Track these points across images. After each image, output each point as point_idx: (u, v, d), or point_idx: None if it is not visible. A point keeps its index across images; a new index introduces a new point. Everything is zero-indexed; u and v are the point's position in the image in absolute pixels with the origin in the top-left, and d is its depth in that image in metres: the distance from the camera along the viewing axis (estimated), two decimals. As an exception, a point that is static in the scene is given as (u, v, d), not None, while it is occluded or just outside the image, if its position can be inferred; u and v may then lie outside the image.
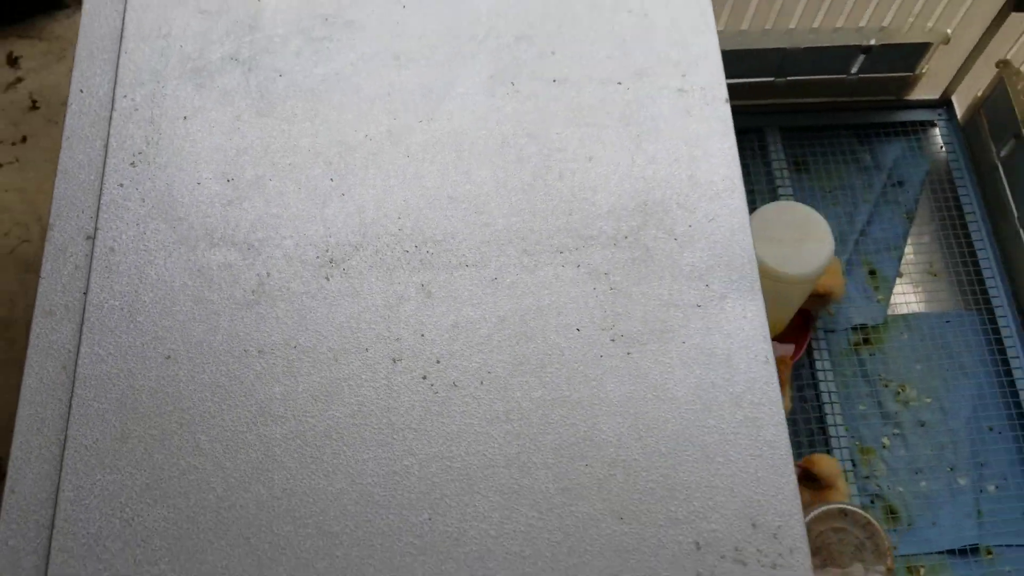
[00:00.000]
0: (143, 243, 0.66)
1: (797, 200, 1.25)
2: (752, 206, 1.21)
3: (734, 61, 1.22)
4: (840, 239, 1.23)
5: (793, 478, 0.64)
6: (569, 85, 0.76)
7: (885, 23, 1.18)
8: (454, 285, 0.67)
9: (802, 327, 1.13)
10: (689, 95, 0.77)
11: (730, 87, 1.30)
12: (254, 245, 0.66)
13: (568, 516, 0.60)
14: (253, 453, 0.60)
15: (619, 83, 0.77)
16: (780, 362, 1.10)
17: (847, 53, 1.20)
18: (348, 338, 0.64)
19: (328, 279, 0.66)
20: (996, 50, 1.20)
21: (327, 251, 0.67)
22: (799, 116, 1.29)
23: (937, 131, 1.32)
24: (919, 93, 1.30)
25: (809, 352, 1.14)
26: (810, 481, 0.95)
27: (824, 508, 0.80)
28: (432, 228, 0.69)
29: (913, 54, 1.21)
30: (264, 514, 0.59)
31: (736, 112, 1.31)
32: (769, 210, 0.96)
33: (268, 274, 0.66)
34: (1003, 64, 1.18)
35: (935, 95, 1.30)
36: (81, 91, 0.73)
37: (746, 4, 1.14)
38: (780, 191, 1.24)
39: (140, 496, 0.59)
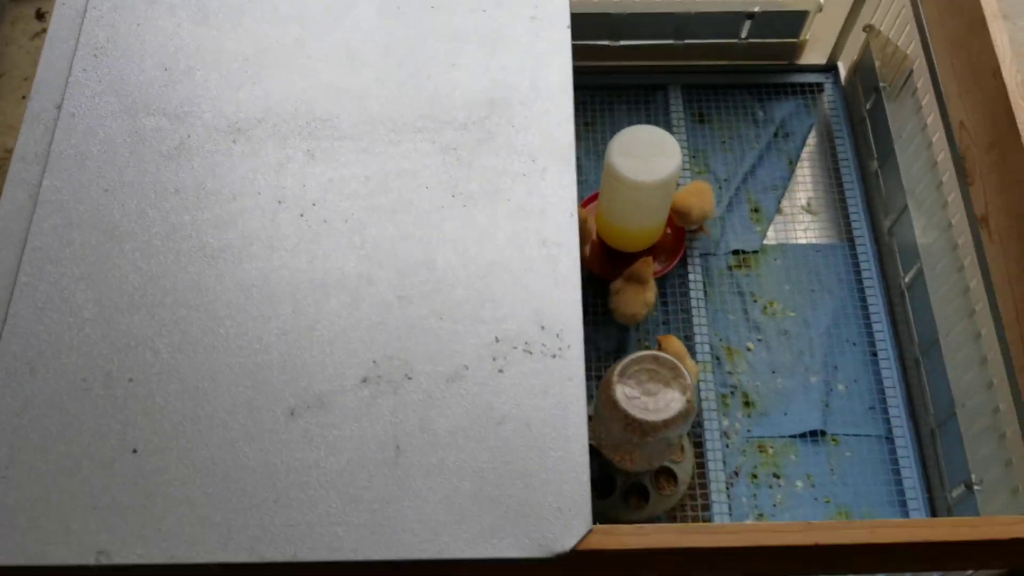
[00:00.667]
0: (96, 111, 0.86)
1: (694, 147, 1.44)
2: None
3: (638, 24, 1.41)
4: (728, 179, 1.41)
5: (578, 297, 0.82)
6: (443, 10, 0.96)
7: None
8: (333, 152, 0.87)
9: (677, 243, 1.31)
10: (538, 22, 0.96)
11: (636, 48, 1.50)
12: (179, 116, 0.87)
13: (401, 315, 0.80)
14: (166, 257, 0.80)
15: (484, 11, 0.97)
16: (583, 222, 1.28)
17: (735, 19, 1.39)
18: (245, 185, 0.84)
19: (235, 143, 0.86)
20: (868, 17, 1.38)
21: (236, 123, 0.87)
22: (702, 76, 1.48)
23: (824, 93, 1.50)
24: (809, 59, 1.48)
25: (687, 266, 1.33)
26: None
27: (640, 353, 0.98)
28: (321, 110, 0.89)
29: (794, 21, 1.40)
30: (169, 299, 0.78)
31: (641, 71, 1.50)
32: (629, 131, 1.16)
33: (188, 136, 0.86)
34: (868, 28, 1.36)
35: (823, 61, 1.48)
36: (63, 4, 0.94)
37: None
38: (677, 138, 1.42)
39: (76, 283, 0.79)
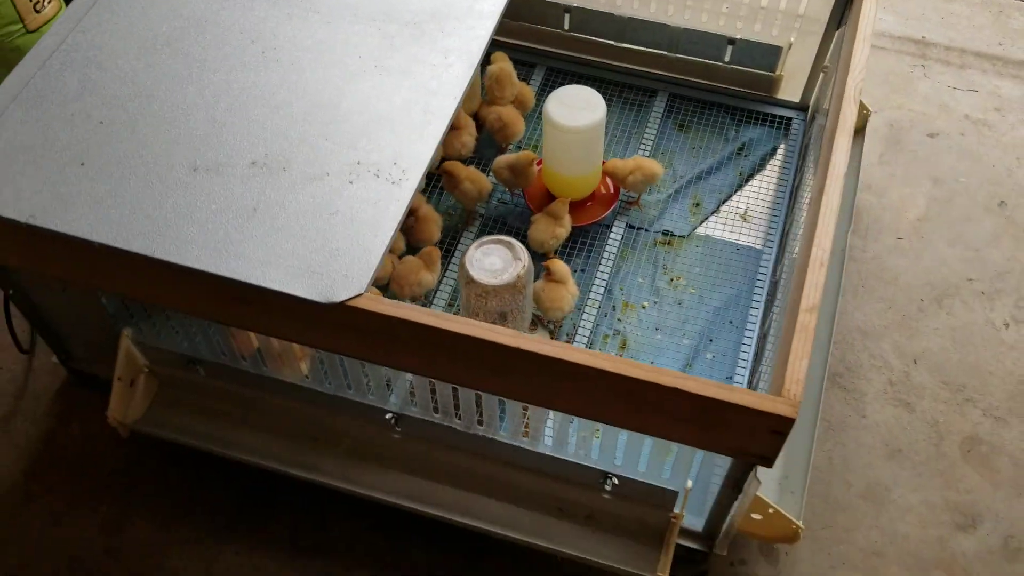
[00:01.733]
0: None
1: (665, 147, 1.67)
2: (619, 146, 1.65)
3: (638, 30, 1.66)
4: (683, 175, 1.63)
5: (430, 151, 1.09)
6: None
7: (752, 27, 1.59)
8: (304, 19, 1.20)
9: (609, 201, 1.55)
10: (487, -30, 1.25)
11: (630, 51, 1.73)
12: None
13: (299, 130, 1.11)
14: (174, 59, 1.14)
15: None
16: (527, 165, 1.54)
17: (719, 41, 1.62)
18: (235, 26, 1.17)
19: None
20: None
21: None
22: (689, 89, 1.71)
23: (792, 127, 1.69)
24: (785, 94, 1.68)
25: (613, 229, 1.55)
26: (549, 276, 1.37)
27: (499, 237, 1.22)
28: (305, -8, 1.22)
29: (769, 55, 1.61)
30: (166, 78, 1.12)
31: (637, 74, 1.74)
32: (569, 89, 1.41)
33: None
34: (824, 68, 1.55)
35: (796, 99, 1.68)
36: None
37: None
38: (653, 139, 1.66)
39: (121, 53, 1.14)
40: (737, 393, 0.95)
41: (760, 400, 0.94)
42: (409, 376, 1.24)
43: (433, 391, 1.19)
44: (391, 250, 1.35)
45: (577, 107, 1.42)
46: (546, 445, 1.22)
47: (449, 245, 1.56)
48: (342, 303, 1.00)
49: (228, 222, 1.05)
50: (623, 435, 1.13)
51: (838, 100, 1.22)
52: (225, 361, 1.29)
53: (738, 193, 1.64)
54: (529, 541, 1.25)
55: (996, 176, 1.69)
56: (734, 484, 1.12)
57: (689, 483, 1.16)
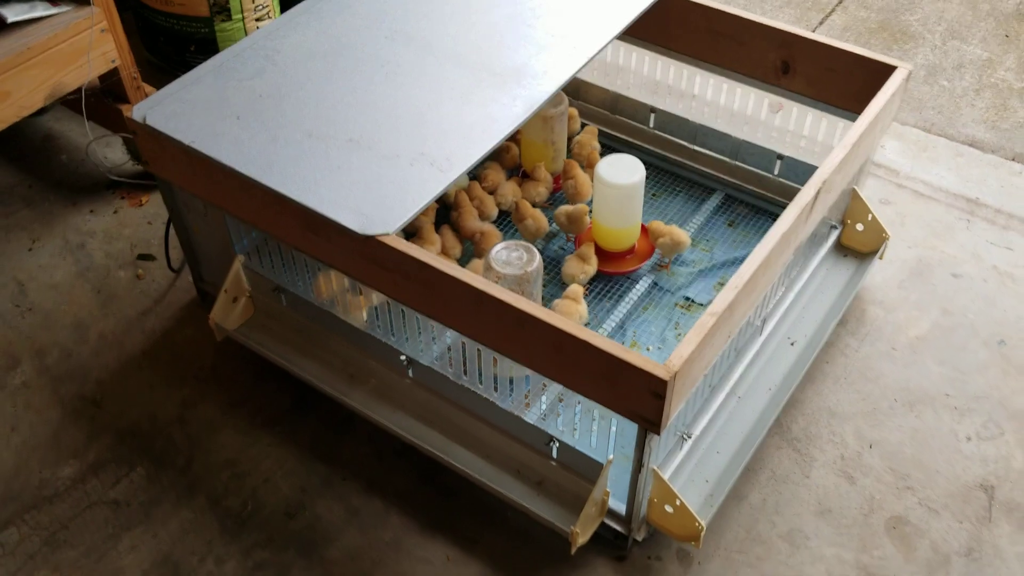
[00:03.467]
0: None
1: (710, 236, 1.93)
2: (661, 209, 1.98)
3: (708, 136, 1.96)
4: (717, 261, 1.88)
5: (478, 154, 1.44)
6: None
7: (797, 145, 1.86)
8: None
9: (643, 255, 1.84)
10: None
11: (700, 154, 2.04)
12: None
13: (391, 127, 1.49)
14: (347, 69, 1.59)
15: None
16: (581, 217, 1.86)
17: (770, 155, 1.89)
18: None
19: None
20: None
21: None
22: (743, 194, 1.98)
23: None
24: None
25: (638, 281, 1.84)
26: (565, 295, 1.68)
27: (519, 242, 1.53)
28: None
29: (811, 172, 1.85)
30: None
31: (700, 173, 2.03)
32: (618, 155, 1.74)
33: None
34: (853, 192, 1.78)
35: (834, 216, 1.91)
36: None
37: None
38: (695, 225, 1.95)
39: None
40: (630, 355, 1.21)
41: (646, 363, 1.20)
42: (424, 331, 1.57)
43: (433, 338, 1.52)
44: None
45: (622, 170, 1.75)
46: (508, 402, 1.50)
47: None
48: (372, 236, 1.36)
49: (319, 172, 1.46)
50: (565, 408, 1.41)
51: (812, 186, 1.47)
52: (300, 293, 1.67)
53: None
54: (493, 488, 1.51)
55: (1004, 319, 1.83)
56: (638, 459, 1.35)
57: (610, 456, 1.39)
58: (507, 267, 1.56)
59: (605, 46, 1.72)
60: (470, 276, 1.33)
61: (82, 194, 2.18)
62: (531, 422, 1.48)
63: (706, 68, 1.93)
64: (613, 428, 1.42)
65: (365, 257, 1.43)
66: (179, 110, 1.61)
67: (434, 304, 1.42)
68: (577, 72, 1.66)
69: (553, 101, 1.95)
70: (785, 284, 1.70)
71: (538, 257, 1.58)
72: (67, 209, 2.14)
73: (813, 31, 2.67)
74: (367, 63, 1.68)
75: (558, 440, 1.46)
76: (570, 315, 1.69)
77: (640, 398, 1.24)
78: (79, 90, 1.99)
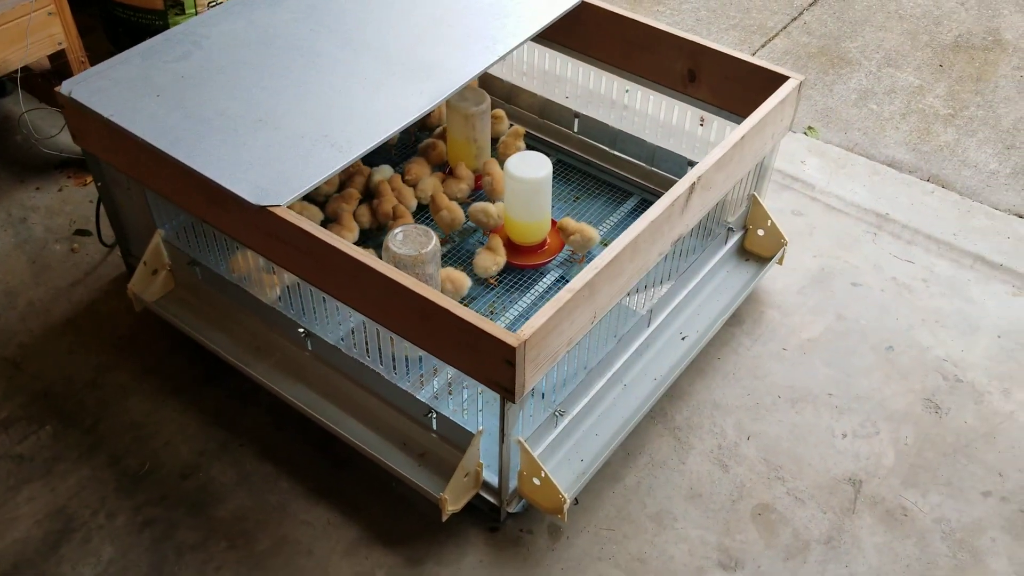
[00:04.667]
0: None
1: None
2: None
3: (626, 141, 2.04)
4: None
5: (378, 138, 1.52)
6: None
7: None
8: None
9: (551, 251, 1.91)
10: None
11: (621, 159, 2.08)
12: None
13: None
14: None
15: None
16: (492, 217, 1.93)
17: (682, 161, 1.97)
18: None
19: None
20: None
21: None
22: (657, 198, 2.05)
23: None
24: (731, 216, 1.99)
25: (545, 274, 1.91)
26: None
27: (418, 226, 1.60)
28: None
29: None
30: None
31: (619, 177, 2.09)
32: (527, 153, 1.82)
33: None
34: (749, 197, 1.86)
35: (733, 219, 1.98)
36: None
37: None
38: (609, 227, 2.02)
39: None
40: (485, 323, 1.28)
41: (497, 331, 1.27)
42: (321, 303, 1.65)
43: (336, 315, 1.59)
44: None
45: (531, 165, 1.83)
46: (392, 375, 1.57)
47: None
48: (264, 207, 1.44)
49: (224, 147, 1.54)
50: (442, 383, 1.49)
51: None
52: (213, 267, 1.75)
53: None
54: (377, 457, 1.58)
55: (896, 327, 1.89)
56: (501, 429, 1.41)
57: (480, 427, 1.46)
58: (403, 247, 1.64)
59: (516, 47, 1.80)
60: (349, 247, 1.40)
61: (31, 172, 2.26)
62: (411, 392, 1.55)
63: (624, 76, 2.02)
64: (480, 401, 1.49)
65: (259, 229, 1.51)
66: (104, 87, 1.70)
67: (321, 275, 1.50)
68: (486, 69, 1.75)
69: (474, 100, 2.05)
70: (674, 278, 1.77)
71: (434, 240, 1.66)
72: (14, 185, 2.22)
73: (754, 54, 2.76)
74: (288, 52, 1.76)
75: (436, 411, 1.53)
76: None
77: (495, 366, 1.31)
78: (27, 69, 2.09)
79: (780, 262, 1.93)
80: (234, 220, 1.55)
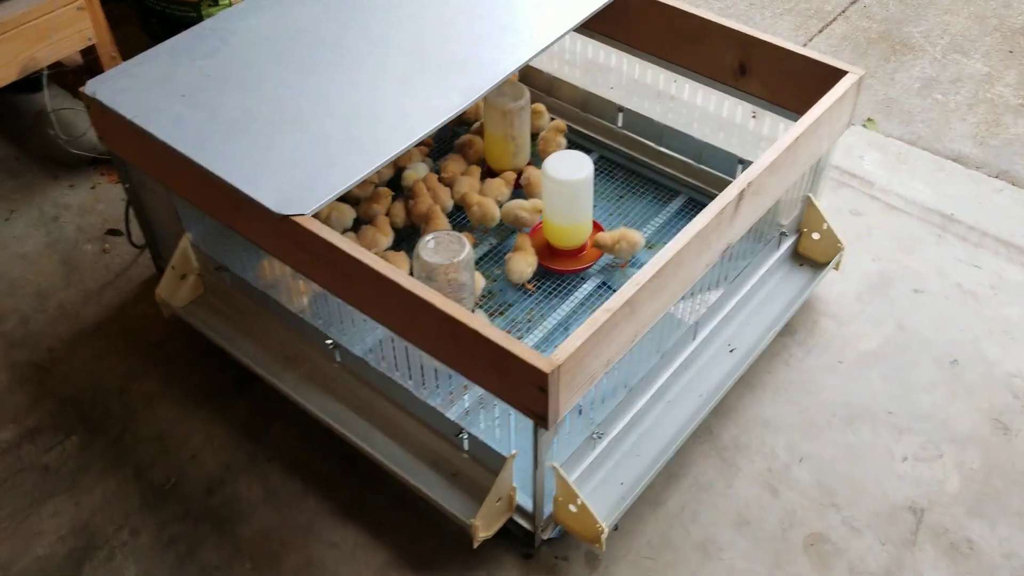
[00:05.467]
0: None
1: (664, 240, 1.90)
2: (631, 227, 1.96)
3: (673, 138, 1.94)
4: None
5: (407, 142, 1.44)
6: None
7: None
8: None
9: (587, 260, 1.83)
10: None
11: (662, 155, 1.99)
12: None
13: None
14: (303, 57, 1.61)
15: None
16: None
17: (732, 159, 1.86)
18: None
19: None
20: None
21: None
22: (705, 197, 1.94)
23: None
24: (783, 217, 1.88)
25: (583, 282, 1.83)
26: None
27: (451, 232, 1.52)
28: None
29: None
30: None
31: (665, 175, 1.99)
32: (566, 152, 1.73)
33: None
34: (804, 199, 1.75)
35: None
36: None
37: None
38: (654, 228, 1.93)
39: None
40: (516, 346, 1.20)
41: (529, 355, 1.19)
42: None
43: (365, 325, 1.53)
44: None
45: (570, 166, 1.74)
46: (421, 390, 1.50)
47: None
48: (287, 216, 1.37)
49: (248, 151, 1.48)
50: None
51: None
52: (241, 273, 1.69)
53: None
54: (405, 478, 1.51)
55: (961, 339, 1.77)
56: (535, 455, 1.33)
57: (514, 450, 1.38)
58: (434, 255, 1.56)
59: (555, 41, 1.71)
60: (375, 261, 1.33)
61: (64, 169, 2.23)
62: (441, 411, 1.48)
63: (670, 68, 1.91)
64: (512, 421, 1.41)
65: (285, 237, 1.44)
66: (129, 86, 1.64)
67: (346, 287, 1.42)
68: (523, 65, 1.66)
69: (512, 95, 1.96)
70: (723, 288, 1.67)
71: (468, 248, 1.58)
72: (47, 182, 2.19)
73: (810, 40, 2.62)
74: (317, 49, 1.69)
75: (467, 432, 1.46)
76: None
77: (527, 391, 1.23)
78: (58, 64, 2.05)
79: (836, 268, 1.82)
80: (259, 228, 1.48)
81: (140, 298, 1.91)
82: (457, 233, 1.60)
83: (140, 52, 1.69)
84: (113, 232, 2.06)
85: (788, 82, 1.70)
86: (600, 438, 1.48)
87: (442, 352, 1.34)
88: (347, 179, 1.45)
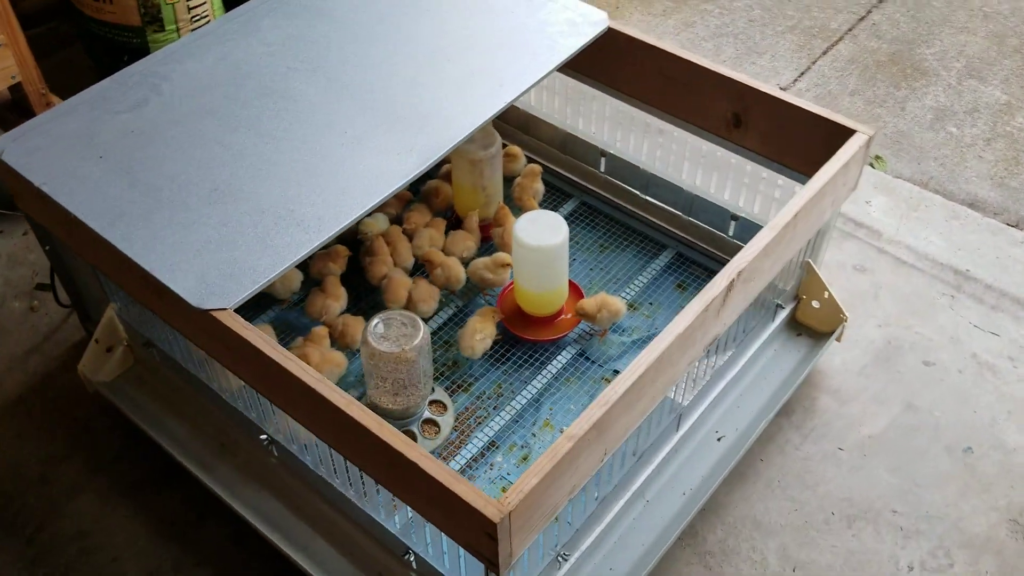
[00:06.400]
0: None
1: (654, 299, 1.73)
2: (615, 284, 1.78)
3: (660, 186, 1.75)
4: (658, 330, 1.68)
5: (352, 216, 1.26)
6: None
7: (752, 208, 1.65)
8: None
9: (565, 327, 1.64)
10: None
11: (648, 205, 1.83)
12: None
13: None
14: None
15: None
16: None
17: (724, 214, 1.68)
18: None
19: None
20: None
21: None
22: (696, 253, 1.77)
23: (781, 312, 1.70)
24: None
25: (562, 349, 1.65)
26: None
27: (400, 312, 1.35)
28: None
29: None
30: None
31: (652, 226, 1.82)
32: (538, 212, 1.55)
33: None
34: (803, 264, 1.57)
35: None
36: None
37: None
38: (639, 286, 1.74)
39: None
40: (460, 485, 1.02)
41: (476, 498, 1.01)
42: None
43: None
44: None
45: (543, 229, 1.55)
46: (365, 502, 1.32)
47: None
48: (206, 311, 1.20)
49: (169, 228, 1.29)
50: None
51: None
52: (168, 351, 1.51)
53: (708, 360, 1.69)
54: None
55: (975, 421, 1.60)
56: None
57: (466, 578, 1.22)
58: (383, 342, 1.39)
59: (527, 90, 1.52)
60: (302, 369, 1.15)
61: (-4, 211, 2.06)
62: (386, 526, 1.30)
63: (658, 115, 1.72)
64: (461, 553, 1.23)
65: (205, 331, 1.27)
66: (42, 145, 1.45)
67: (274, 393, 1.25)
68: (490, 119, 1.47)
69: (482, 142, 1.77)
70: (708, 374, 1.49)
71: (422, 332, 1.40)
72: (-21, 227, 2.02)
73: (814, 63, 2.43)
74: (261, 100, 1.49)
75: (414, 552, 1.29)
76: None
77: (475, 535, 1.05)
78: (-14, 102, 1.88)
79: (838, 340, 1.64)
80: (179, 316, 1.31)
81: (67, 366, 1.73)
82: (411, 315, 1.42)
83: (81, 79, 1.50)
84: (43, 287, 1.87)
85: (788, 137, 1.51)
86: (566, 559, 1.31)
87: (380, 477, 1.16)
88: (278, 264, 1.25)
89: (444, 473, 1.03)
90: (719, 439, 1.52)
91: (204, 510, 1.51)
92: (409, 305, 1.67)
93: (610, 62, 1.70)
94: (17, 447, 1.61)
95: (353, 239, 1.77)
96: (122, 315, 1.57)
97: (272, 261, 1.26)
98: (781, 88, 2.35)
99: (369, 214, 1.37)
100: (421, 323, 1.40)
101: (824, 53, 2.47)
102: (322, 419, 1.17)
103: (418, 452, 1.05)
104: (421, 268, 1.76)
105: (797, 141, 1.51)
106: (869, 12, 2.60)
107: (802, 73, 2.41)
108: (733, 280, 1.23)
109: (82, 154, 1.42)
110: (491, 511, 1.00)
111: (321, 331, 1.58)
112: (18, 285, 1.87)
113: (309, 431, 1.24)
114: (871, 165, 2.10)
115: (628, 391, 1.12)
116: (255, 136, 1.43)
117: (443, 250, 1.75)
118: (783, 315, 1.63)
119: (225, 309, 1.20)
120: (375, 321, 1.40)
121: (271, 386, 1.22)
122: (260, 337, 1.17)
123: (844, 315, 1.60)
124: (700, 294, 1.22)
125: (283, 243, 1.29)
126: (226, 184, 1.36)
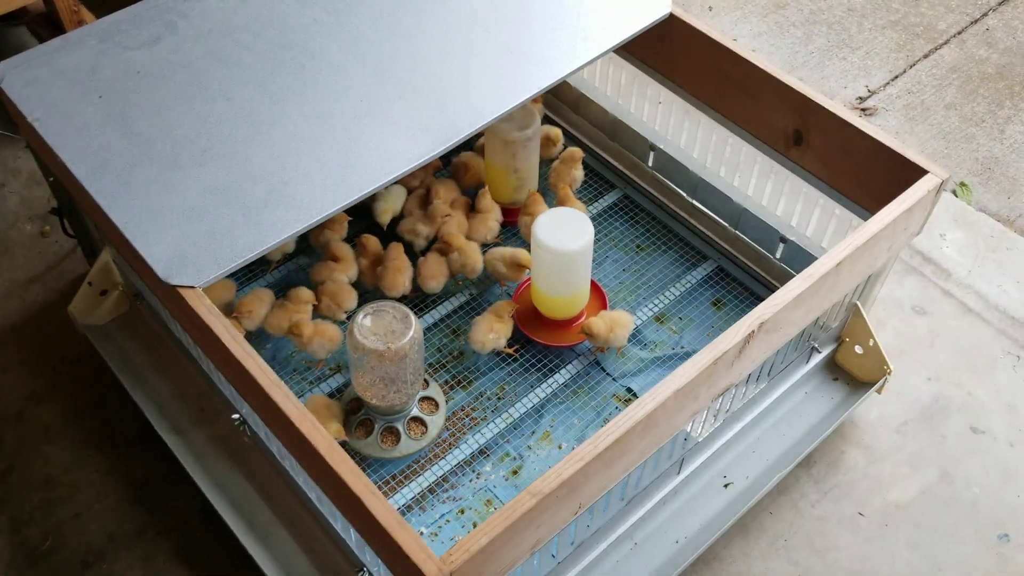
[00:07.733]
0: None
1: (685, 314, 1.59)
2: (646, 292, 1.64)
3: (708, 193, 1.60)
4: (683, 349, 1.54)
5: (347, 200, 1.16)
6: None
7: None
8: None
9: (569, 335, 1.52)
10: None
11: (694, 210, 1.67)
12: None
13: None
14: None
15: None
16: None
17: (773, 235, 1.52)
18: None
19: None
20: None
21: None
22: (739, 271, 1.62)
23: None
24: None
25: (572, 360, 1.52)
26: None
27: (389, 303, 1.25)
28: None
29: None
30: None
31: (696, 232, 1.67)
32: (563, 212, 1.42)
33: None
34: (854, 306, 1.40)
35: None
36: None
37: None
38: (671, 298, 1.60)
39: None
40: (404, 533, 0.92)
41: (416, 550, 0.91)
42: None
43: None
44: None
45: (565, 230, 1.42)
46: (322, 503, 1.24)
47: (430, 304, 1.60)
48: (173, 286, 1.11)
49: (153, 188, 1.20)
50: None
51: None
52: (154, 307, 1.44)
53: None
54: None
55: (1017, 504, 1.43)
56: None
57: (416, 612, 1.12)
58: (369, 337, 1.28)
59: (567, 76, 1.37)
60: (260, 369, 1.05)
61: (28, 124, 2.00)
62: (344, 536, 1.22)
63: (714, 116, 1.55)
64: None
65: (175, 302, 1.18)
66: (42, 76, 1.36)
67: (236, 380, 1.15)
68: (520, 104, 1.33)
69: (518, 122, 1.63)
70: (720, 419, 1.35)
71: (413, 329, 1.28)
72: (4, 139, 1.96)
73: (912, 66, 2.20)
74: (278, 52, 1.38)
75: (368, 570, 1.20)
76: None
77: (414, 584, 0.97)
78: (23, 11, 1.80)
79: (879, 392, 1.49)
80: (151, 281, 1.22)
81: (67, 299, 1.66)
82: (404, 309, 1.31)
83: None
84: (56, 212, 1.83)
85: (851, 165, 1.34)
86: (531, 607, 1.21)
87: (330, 495, 1.07)
88: (259, 243, 1.15)
89: (388, 515, 0.93)
90: (726, 485, 1.38)
91: (179, 474, 1.44)
92: (417, 279, 1.56)
93: (669, 52, 1.53)
94: (2, 380, 1.57)
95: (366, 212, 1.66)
96: (116, 261, 1.50)
97: (253, 239, 1.16)
98: (869, 91, 2.15)
99: (366, 198, 1.26)
100: (413, 318, 1.29)
101: (925, 56, 2.24)
102: (277, 423, 1.08)
103: (363, 486, 0.95)
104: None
105: (861, 171, 1.34)
106: (985, 15, 2.34)
107: (896, 76, 2.19)
108: (753, 332, 1.09)
109: (81, 91, 1.33)
110: (431, 568, 0.90)
111: (304, 294, 1.47)
112: (33, 206, 1.82)
113: (267, 428, 1.16)
114: (953, 193, 1.90)
115: (609, 448, 0.99)
116: (263, 93, 1.32)
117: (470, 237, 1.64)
118: (818, 359, 1.48)
119: (193, 288, 1.11)
120: (362, 313, 1.29)
121: (233, 375, 1.13)
122: (222, 325, 1.08)
123: (888, 367, 1.44)
124: (703, 351, 1.08)
125: (269, 220, 1.18)
126: (221, 144, 1.26)
